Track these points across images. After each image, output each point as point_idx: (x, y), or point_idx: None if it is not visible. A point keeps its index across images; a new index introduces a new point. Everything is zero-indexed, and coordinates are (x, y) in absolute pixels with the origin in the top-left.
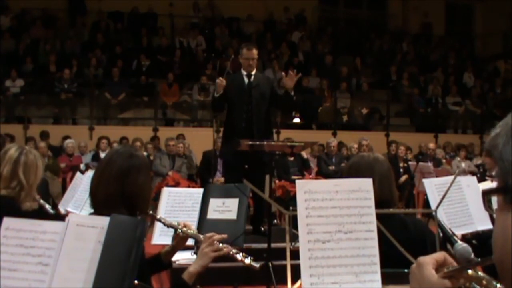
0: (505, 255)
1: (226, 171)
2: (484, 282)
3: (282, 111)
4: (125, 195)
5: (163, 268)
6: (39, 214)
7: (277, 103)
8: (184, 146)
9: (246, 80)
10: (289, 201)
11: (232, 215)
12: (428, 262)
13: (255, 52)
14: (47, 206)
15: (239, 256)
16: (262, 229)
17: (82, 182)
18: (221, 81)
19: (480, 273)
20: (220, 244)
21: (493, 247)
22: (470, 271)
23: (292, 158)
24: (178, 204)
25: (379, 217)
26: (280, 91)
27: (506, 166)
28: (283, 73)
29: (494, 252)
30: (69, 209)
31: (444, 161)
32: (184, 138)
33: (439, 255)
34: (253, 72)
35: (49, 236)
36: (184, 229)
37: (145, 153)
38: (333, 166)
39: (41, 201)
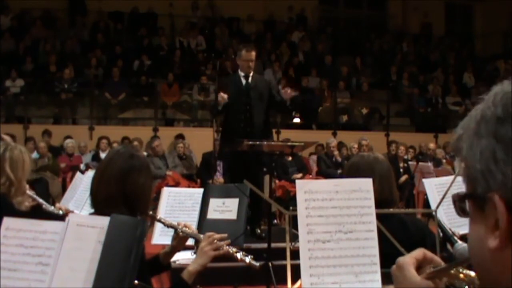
0: (481, 264)
1: (226, 171)
2: (466, 278)
3: (277, 112)
4: (125, 196)
5: (162, 270)
6: (35, 210)
7: (273, 106)
8: (184, 146)
9: (244, 81)
10: (289, 201)
11: (232, 215)
12: (408, 262)
13: (253, 53)
14: (40, 200)
15: (239, 255)
16: (259, 231)
17: (82, 182)
18: (222, 97)
19: (465, 270)
20: (220, 243)
21: (469, 253)
22: (452, 271)
23: (290, 158)
24: (178, 204)
25: (379, 217)
26: (277, 97)
27: (473, 173)
28: (280, 87)
29: (471, 259)
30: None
31: (444, 161)
32: (183, 138)
33: (418, 252)
34: (251, 74)
35: (49, 236)
36: (184, 229)
37: (145, 153)
38: (333, 166)
39: (34, 196)
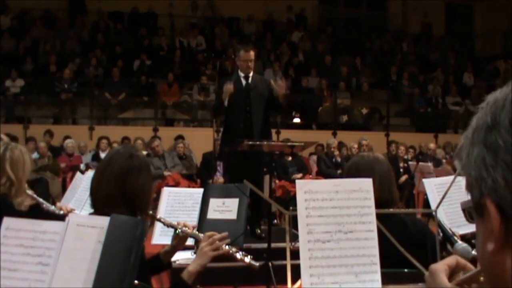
0: (484, 267)
1: (226, 171)
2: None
3: (276, 113)
4: (125, 195)
5: (162, 269)
6: (34, 210)
7: (271, 107)
8: (184, 146)
9: (244, 81)
10: (289, 201)
11: (232, 215)
12: (440, 269)
13: (252, 53)
14: (41, 200)
15: (239, 255)
16: (259, 231)
17: (82, 182)
18: (228, 88)
19: None
20: (220, 243)
21: (477, 256)
22: (482, 277)
23: (290, 158)
24: (178, 204)
25: (379, 217)
26: (274, 96)
27: (470, 181)
28: (272, 82)
29: (479, 263)
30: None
31: (444, 161)
32: (183, 138)
33: (451, 260)
34: (251, 74)
35: (49, 236)
36: (184, 228)
37: (145, 153)
38: (333, 166)
39: (34, 195)
